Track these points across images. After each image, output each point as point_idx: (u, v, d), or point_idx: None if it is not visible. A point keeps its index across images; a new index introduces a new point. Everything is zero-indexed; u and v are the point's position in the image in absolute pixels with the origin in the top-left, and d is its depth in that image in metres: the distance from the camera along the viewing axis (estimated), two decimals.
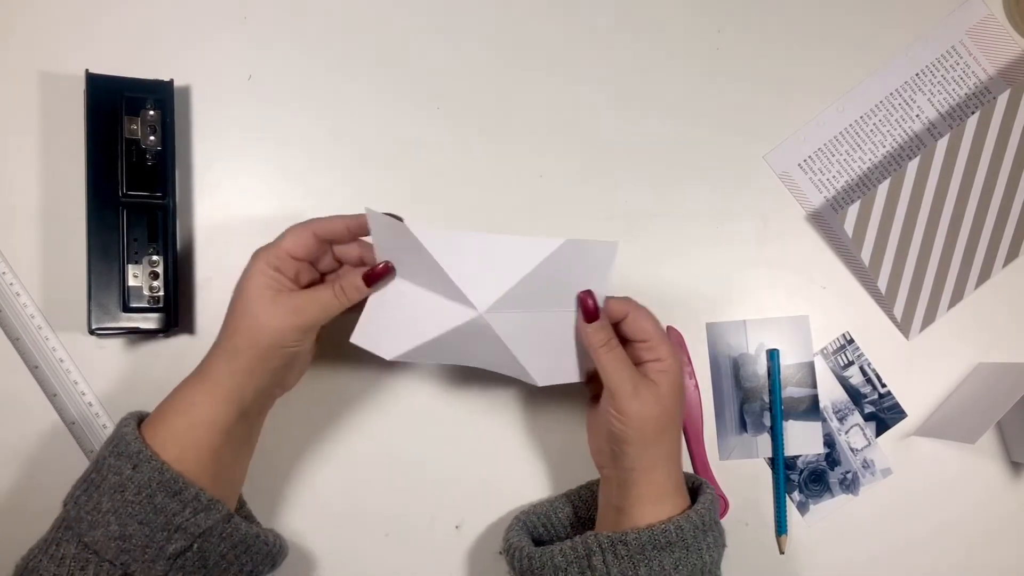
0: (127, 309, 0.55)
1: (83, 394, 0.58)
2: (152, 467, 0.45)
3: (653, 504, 0.50)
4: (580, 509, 0.58)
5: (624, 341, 0.52)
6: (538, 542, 0.56)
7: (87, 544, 0.44)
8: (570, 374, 0.53)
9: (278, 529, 0.56)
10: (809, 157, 0.66)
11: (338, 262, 0.53)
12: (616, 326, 0.52)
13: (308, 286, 0.51)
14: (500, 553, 0.56)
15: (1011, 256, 0.66)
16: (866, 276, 0.65)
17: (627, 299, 0.53)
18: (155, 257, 0.56)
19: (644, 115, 0.65)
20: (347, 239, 0.52)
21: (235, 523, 0.48)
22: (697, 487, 0.54)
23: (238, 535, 0.48)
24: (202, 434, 0.47)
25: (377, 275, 0.50)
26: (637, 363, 0.51)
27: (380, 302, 0.51)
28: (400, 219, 0.49)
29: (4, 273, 0.57)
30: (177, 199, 0.57)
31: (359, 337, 0.51)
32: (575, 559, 0.49)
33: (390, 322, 0.50)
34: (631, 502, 0.50)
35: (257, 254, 0.50)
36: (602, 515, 0.54)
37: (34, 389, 0.57)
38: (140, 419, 0.49)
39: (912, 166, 0.63)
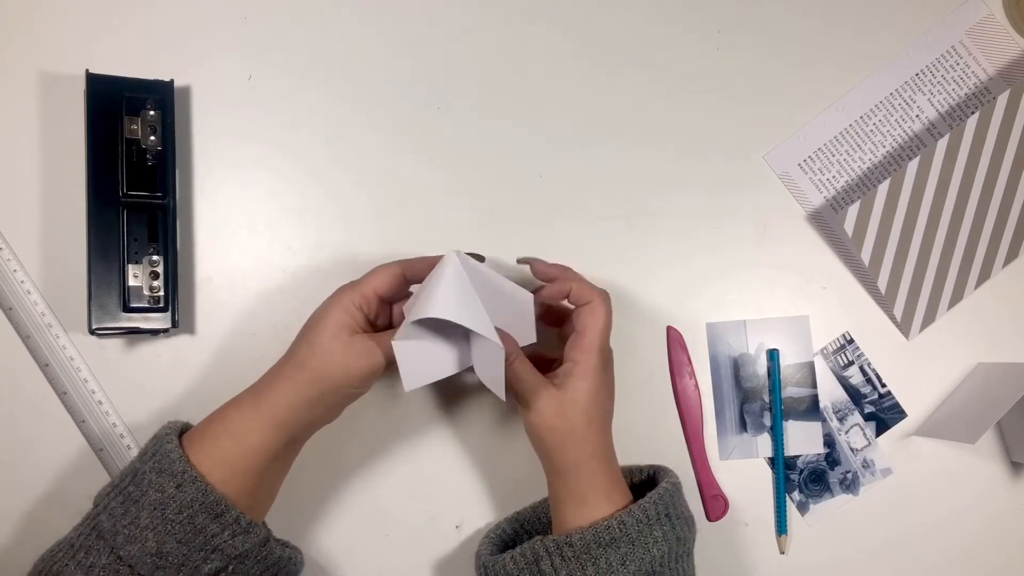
0: (127, 309, 0.55)
1: (93, 392, 0.58)
2: (196, 488, 0.45)
3: (575, 506, 0.51)
4: None
5: (566, 314, 0.55)
6: None
7: (122, 557, 0.44)
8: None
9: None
10: (809, 157, 0.66)
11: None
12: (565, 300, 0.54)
13: (378, 323, 0.52)
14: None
15: (1011, 256, 0.66)
16: (866, 276, 0.65)
17: (583, 282, 0.54)
18: (155, 257, 0.56)
19: (644, 115, 0.65)
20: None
21: (270, 547, 0.48)
22: (655, 478, 0.54)
23: (272, 558, 0.49)
24: (251, 460, 0.48)
25: None
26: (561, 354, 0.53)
27: (405, 344, 0.49)
28: (481, 258, 0.51)
29: (16, 271, 0.57)
30: (177, 199, 0.57)
31: (411, 383, 0.49)
32: (525, 565, 0.50)
33: (423, 352, 0.50)
34: (555, 503, 0.53)
35: (343, 291, 0.50)
36: (553, 517, 0.54)
37: (44, 387, 0.57)
38: (181, 430, 0.49)
39: (912, 166, 0.63)
